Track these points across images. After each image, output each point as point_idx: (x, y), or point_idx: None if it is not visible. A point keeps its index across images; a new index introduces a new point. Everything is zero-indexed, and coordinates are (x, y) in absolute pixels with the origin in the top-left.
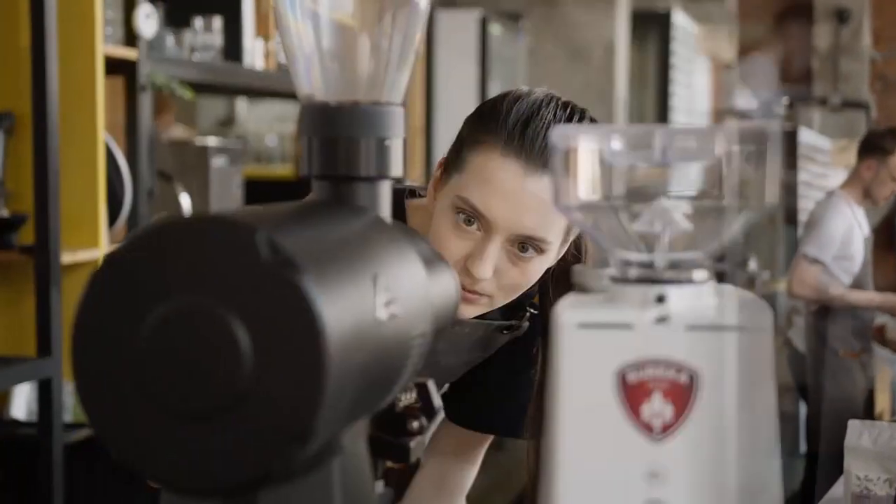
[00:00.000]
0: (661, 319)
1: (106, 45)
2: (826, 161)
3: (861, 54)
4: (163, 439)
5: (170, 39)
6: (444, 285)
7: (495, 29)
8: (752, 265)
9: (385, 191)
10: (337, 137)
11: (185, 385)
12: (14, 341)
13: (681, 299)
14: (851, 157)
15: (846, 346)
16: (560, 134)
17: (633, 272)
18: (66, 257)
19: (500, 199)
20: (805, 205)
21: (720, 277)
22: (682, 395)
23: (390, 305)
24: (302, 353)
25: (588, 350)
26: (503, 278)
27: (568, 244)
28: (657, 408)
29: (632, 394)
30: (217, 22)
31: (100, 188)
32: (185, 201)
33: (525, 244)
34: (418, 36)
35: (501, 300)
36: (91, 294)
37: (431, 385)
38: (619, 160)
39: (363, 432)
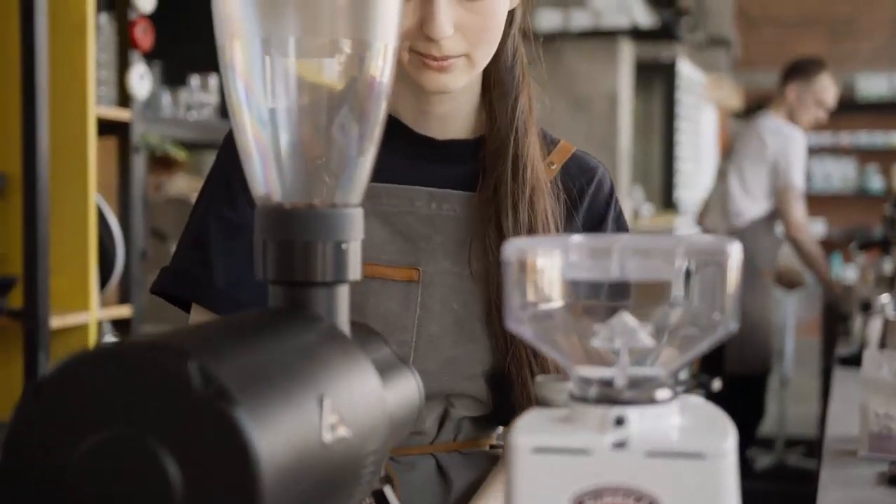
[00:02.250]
0: (620, 444)
1: (99, 107)
2: (700, 94)
3: None
4: None
5: (166, 98)
6: (404, 391)
7: None
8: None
9: (343, 296)
10: (293, 241)
11: None
12: (1, 406)
13: (642, 421)
14: (722, 91)
15: (769, 267)
16: (514, 247)
17: (593, 391)
18: (56, 321)
19: None
20: (680, 138)
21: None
22: None
23: (338, 427)
24: (235, 487)
25: (543, 476)
26: (467, 29)
27: None
28: None
29: None
30: (213, 80)
31: (91, 251)
32: None
33: None
34: (377, 134)
35: (481, 56)
36: (20, 421)
37: (388, 491)
38: (575, 274)
39: None
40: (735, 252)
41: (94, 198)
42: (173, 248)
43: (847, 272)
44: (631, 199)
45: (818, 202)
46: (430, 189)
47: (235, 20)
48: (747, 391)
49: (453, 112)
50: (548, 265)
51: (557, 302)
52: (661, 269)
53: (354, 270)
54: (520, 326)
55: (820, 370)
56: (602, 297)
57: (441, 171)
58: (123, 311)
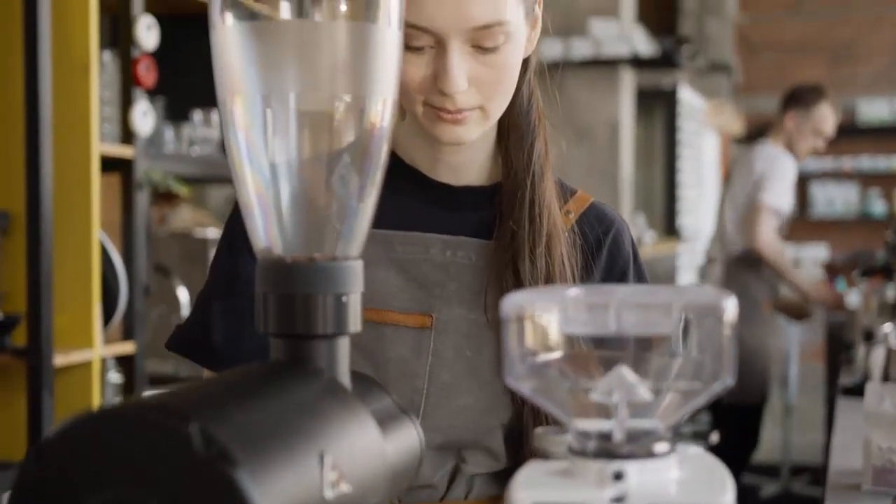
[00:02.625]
0: (619, 500)
1: (103, 144)
2: (702, 120)
3: (726, 16)
4: None
5: (168, 133)
6: (405, 442)
7: None
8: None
9: (343, 348)
10: (293, 294)
11: None
12: (5, 445)
13: (641, 475)
14: (723, 118)
15: (769, 297)
16: (512, 302)
17: (591, 444)
18: (60, 359)
19: (432, 4)
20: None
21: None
22: None
23: (339, 483)
24: None
25: None
26: (481, 83)
27: (537, 18)
28: None
29: None
30: (215, 115)
31: (94, 288)
32: (184, 295)
33: (484, 37)
34: (377, 184)
35: (496, 107)
36: (23, 483)
37: None
38: (573, 328)
39: None
40: (731, 307)
41: (98, 235)
42: (176, 283)
43: (850, 297)
44: (633, 227)
45: (820, 227)
46: (445, 236)
47: (236, 76)
48: (743, 420)
49: (469, 160)
50: (546, 320)
51: (555, 356)
52: (658, 323)
53: (355, 322)
54: (518, 381)
55: (824, 397)
56: (600, 351)
57: (457, 218)
58: (127, 348)
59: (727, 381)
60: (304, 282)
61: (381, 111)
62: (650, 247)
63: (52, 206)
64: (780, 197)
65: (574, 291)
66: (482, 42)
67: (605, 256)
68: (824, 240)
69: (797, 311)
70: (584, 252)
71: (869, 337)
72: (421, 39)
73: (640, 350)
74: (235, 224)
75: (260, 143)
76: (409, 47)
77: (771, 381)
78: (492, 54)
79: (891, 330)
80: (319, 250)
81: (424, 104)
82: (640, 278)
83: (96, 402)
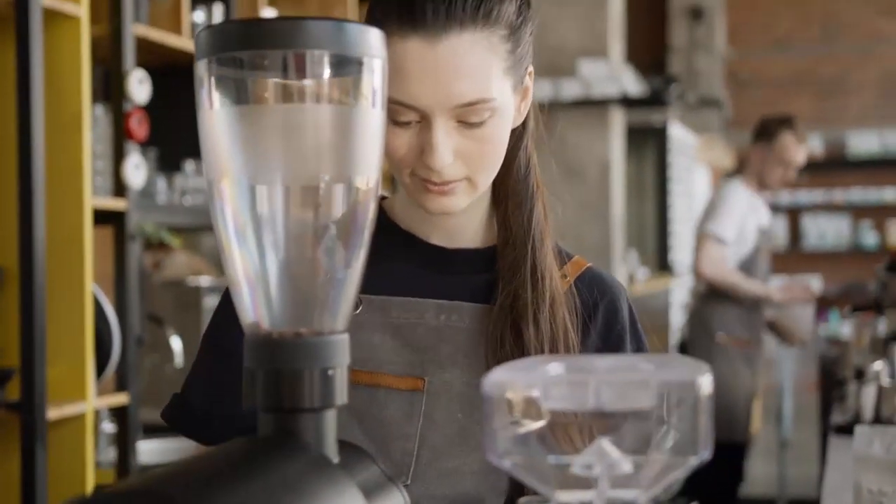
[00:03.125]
0: None
1: (95, 197)
2: (693, 155)
3: (715, 52)
4: None
5: (161, 183)
6: None
7: None
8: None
9: (330, 420)
10: (280, 369)
11: None
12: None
13: None
14: (714, 152)
15: (730, 332)
16: (493, 381)
17: None
18: (53, 412)
19: (416, 82)
20: (673, 200)
21: None
22: None
23: None
24: None
25: None
26: (467, 156)
27: (528, 88)
28: None
29: None
30: None
31: (87, 341)
32: (177, 345)
33: (469, 113)
34: (360, 263)
35: (483, 179)
36: None
37: None
38: (554, 404)
39: None
40: (706, 383)
41: (91, 288)
42: (170, 332)
43: (843, 328)
44: (625, 264)
45: (813, 259)
46: (440, 301)
47: (223, 160)
48: (724, 458)
49: (462, 224)
50: (527, 397)
51: (536, 430)
52: (637, 398)
53: (342, 395)
54: (500, 456)
55: (819, 431)
56: (581, 425)
57: (452, 281)
58: (121, 399)
59: (704, 454)
60: (290, 357)
61: (366, 189)
62: (643, 283)
63: (46, 260)
64: (723, 226)
65: (555, 368)
66: (467, 118)
67: (601, 321)
68: (816, 272)
69: (785, 336)
70: (582, 315)
71: (860, 375)
72: (406, 115)
73: (620, 423)
74: (228, 300)
75: (247, 222)
76: (395, 122)
77: (744, 417)
78: (477, 129)
79: (881, 368)
80: (306, 325)
81: (411, 175)
82: (639, 344)
83: (89, 455)
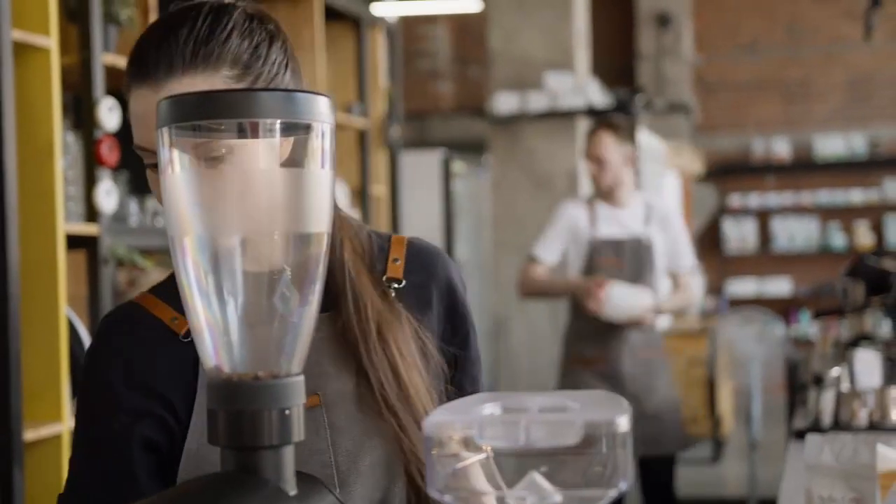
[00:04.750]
0: None
1: (68, 223)
2: (662, 161)
3: (682, 58)
4: None
5: (133, 206)
6: None
7: (458, 166)
8: None
9: (288, 455)
10: (241, 410)
11: None
12: None
13: None
14: (682, 158)
15: (576, 351)
16: (432, 423)
17: None
18: (30, 434)
19: (144, 126)
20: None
21: None
22: None
23: None
24: None
25: None
26: None
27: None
28: None
29: None
30: None
31: (62, 363)
32: None
33: (207, 150)
34: (314, 308)
35: None
36: None
37: None
38: (488, 442)
39: None
40: (624, 421)
41: (65, 311)
42: None
43: (812, 330)
44: None
45: (783, 261)
46: None
47: (185, 219)
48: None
49: None
50: (464, 437)
51: (473, 467)
52: (563, 436)
53: (298, 432)
54: (441, 492)
55: (786, 432)
56: (513, 460)
57: None
58: None
59: (623, 485)
60: (250, 399)
61: (318, 240)
62: None
63: (20, 284)
64: (540, 244)
65: (489, 409)
66: (208, 156)
67: (439, 295)
68: (787, 273)
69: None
70: (421, 297)
71: (819, 380)
72: (151, 158)
73: (549, 458)
74: (97, 386)
75: (207, 274)
76: (148, 166)
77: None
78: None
79: (839, 373)
80: (264, 368)
81: None
82: (464, 313)
83: (66, 475)
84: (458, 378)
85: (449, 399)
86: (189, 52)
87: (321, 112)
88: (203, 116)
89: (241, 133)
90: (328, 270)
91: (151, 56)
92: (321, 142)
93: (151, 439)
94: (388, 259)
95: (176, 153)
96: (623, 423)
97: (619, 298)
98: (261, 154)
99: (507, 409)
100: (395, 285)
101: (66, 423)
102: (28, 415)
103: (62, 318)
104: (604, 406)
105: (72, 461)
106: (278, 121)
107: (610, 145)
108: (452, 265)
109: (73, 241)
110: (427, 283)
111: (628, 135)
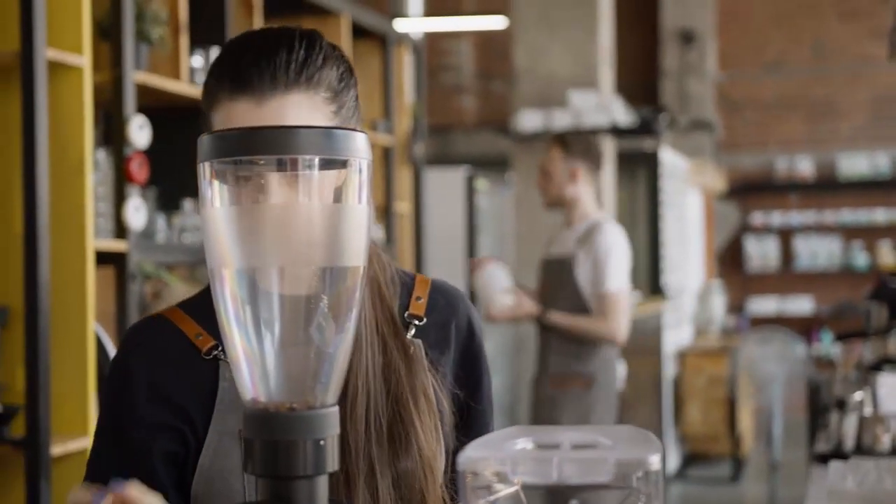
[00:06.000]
0: None
1: (97, 239)
2: (684, 179)
3: (706, 76)
4: None
5: (161, 222)
6: None
7: (481, 184)
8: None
9: (322, 485)
10: (276, 441)
11: None
12: None
13: None
14: (705, 176)
15: (555, 374)
16: (467, 457)
17: None
18: (57, 448)
19: None
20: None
21: None
22: None
23: None
24: None
25: None
26: None
27: None
28: None
29: None
30: None
31: (90, 378)
32: None
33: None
34: (349, 340)
35: None
36: None
37: None
38: (521, 478)
39: None
40: (656, 460)
41: (93, 327)
42: None
43: (834, 350)
44: None
45: (805, 279)
46: None
47: (224, 252)
48: None
49: None
50: (499, 472)
51: (507, 502)
52: (596, 473)
53: (332, 462)
54: None
55: (807, 454)
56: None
57: None
58: None
59: None
60: (285, 429)
61: (354, 272)
62: (636, 307)
63: (50, 300)
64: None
65: (521, 444)
66: None
67: (456, 334)
68: (809, 292)
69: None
70: (442, 335)
71: (841, 404)
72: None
73: (581, 494)
74: (122, 384)
75: (245, 305)
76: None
77: None
78: None
79: (862, 398)
80: (300, 398)
81: None
82: (481, 359)
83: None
84: (465, 429)
85: (448, 444)
86: (293, 70)
87: (359, 148)
88: (244, 152)
89: (281, 168)
90: None
91: (253, 70)
92: (359, 177)
93: (171, 452)
94: (412, 297)
95: (217, 187)
96: (655, 461)
97: (487, 276)
98: (299, 189)
99: (539, 444)
100: (416, 322)
101: (92, 439)
102: (56, 429)
103: (91, 333)
104: (636, 443)
105: (90, 466)
106: (317, 157)
107: (555, 159)
108: (473, 309)
109: (102, 258)
110: (447, 324)
111: (581, 153)
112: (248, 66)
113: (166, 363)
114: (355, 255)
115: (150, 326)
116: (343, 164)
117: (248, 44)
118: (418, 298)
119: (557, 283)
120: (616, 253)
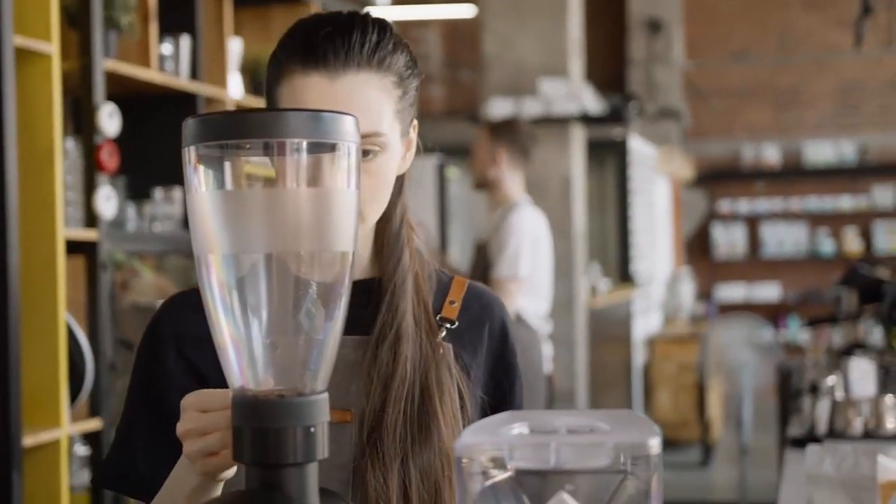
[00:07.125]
0: None
1: (67, 228)
2: (653, 167)
3: (673, 64)
4: None
5: (131, 211)
6: None
7: (452, 172)
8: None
9: (312, 473)
10: (266, 428)
11: None
12: None
13: None
14: (673, 164)
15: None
16: (463, 444)
17: None
18: (28, 439)
19: None
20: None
21: None
22: None
23: None
24: None
25: None
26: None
27: (412, 141)
28: None
29: None
30: (177, 192)
31: (62, 368)
32: None
33: (363, 143)
34: (339, 326)
35: (371, 213)
36: None
37: None
38: (518, 464)
39: None
40: (654, 445)
41: (64, 316)
42: None
43: (802, 335)
44: (588, 277)
45: (771, 266)
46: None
47: (210, 238)
48: None
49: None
50: (495, 458)
51: (503, 487)
52: (594, 458)
53: (322, 449)
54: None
55: (777, 438)
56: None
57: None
58: (94, 424)
59: None
60: (275, 417)
61: (342, 257)
62: (605, 295)
63: (20, 290)
64: None
65: (517, 429)
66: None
67: (489, 337)
68: (775, 279)
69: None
70: (471, 344)
71: (814, 389)
72: None
73: (579, 478)
74: (153, 360)
75: (232, 292)
76: None
77: None
78: (368, 161)
79: (835, 382)
80: (289, 385)
81: None
82: (513, 366)
83: (64, 480)
84: None
85: None
86: (367, 51)
87: (347, 132)
88: (230, 136)
89: (268, 152)
90: (380, 296)
91: (329, 46)
92: (347, 161)
93: None
94: (446, 300)
95: (202, 172)
96: (654, 445)
97: None
98: (286, 173)
99: (535, 429)
100: (448, 325)
101: (65, 429)
102: (27, 420)
103: (62, 323)
104: (634, 427)
105: (120, 431)
106: (305, 140)
107: (481, 140)
108: (507, 315)
109: (72, 247)
110: (480, 328)
111: (506, 138)
112: (324, 41)
113: (196, 334)
114: (344, 239)
115: (184, 298)
116: (332, 148)
117: (321, 22)
118: (452, 302)
119: (479, 267)
120: (515, 239)
